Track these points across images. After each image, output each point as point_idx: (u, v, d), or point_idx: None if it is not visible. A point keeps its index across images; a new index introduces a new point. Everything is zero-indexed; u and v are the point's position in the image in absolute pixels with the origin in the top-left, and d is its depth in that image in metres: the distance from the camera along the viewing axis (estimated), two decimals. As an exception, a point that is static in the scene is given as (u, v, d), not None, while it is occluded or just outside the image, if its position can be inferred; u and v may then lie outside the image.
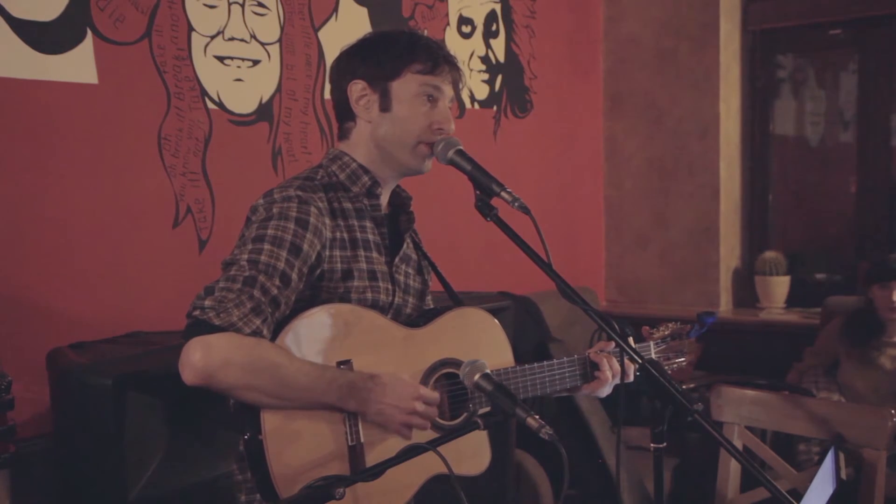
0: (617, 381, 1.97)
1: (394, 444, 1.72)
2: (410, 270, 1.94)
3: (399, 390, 1.69)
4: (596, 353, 1.96)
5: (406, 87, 1.79)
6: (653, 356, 2.08)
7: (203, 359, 1.56)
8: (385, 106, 1.81)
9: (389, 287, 1.84)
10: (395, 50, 1.80)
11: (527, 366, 1.90)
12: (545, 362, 1.91)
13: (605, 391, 1.99)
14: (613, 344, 1.95)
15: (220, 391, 1.62)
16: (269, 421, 1.64)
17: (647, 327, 2.13)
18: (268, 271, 1.63)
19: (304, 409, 1.66)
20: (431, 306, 1.99)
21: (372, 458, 1.69)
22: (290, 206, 1.70)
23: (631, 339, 1.93)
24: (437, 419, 1.80)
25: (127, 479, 2.20)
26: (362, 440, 1.71)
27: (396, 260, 1.88)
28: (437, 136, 1.80)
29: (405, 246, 1.92)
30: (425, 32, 1.93)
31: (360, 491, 1.65)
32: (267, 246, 1.65)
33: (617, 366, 1.95)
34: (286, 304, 1.67)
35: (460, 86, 1.88)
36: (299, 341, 1.69)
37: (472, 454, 1.89)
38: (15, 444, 2.17)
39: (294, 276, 1.67)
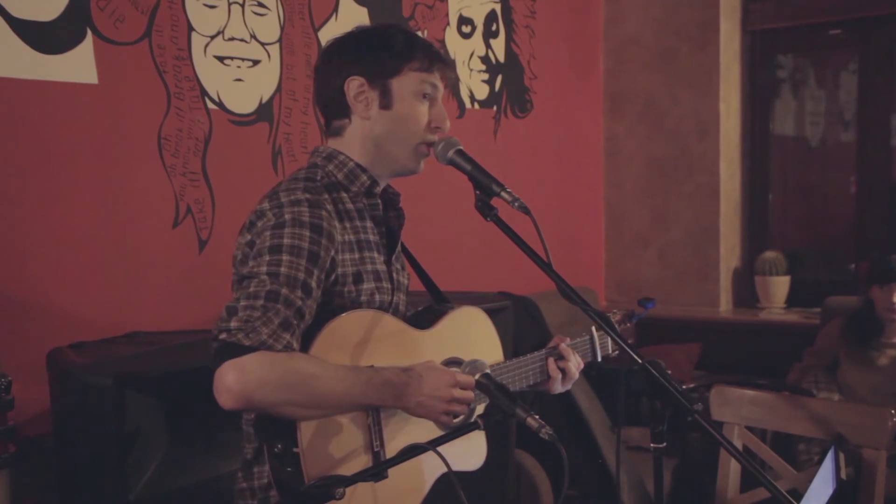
0: (575, 378, 2.04)
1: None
2: (399, 267, 1.94)
3: (435, 380, 1.67)
4: (564, 347, 2.01)
5: (406, 84, 1.78)
6: (609, 346, 2.16)
7: (238, 381, 1.51)
8: (385, 104, 1.78)
9: (388, 286, 1.83)
10: (395, 47, 1.78)
11: (507, 362, 1.93)
12: (519, 358, 1.95)
13: (561, 387, 2.03)
14: (569, 339, 2.04)
15: (259, 411, 1.59)
16: (305, 433, 1.60)
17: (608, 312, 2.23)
18: (290, 283, 1.59)
19: (335, 418, 1.64)
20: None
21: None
22: (302, 211, 1.66)
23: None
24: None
25: (127, 479, 2.20)
26: (385, 446, 1.71)
27: (393, 258, 1.88)
28: (435, 134, 1.80)
29: (399, 244, 1.92)
30: (424, 33, 1.92)
31: (370, 495, 1.65)
32: (286, 256, 1.61)
33: (579, 360, 2.04)
34: (310, 314, 1.64)
35: (452, 82, 1.88)
36: (328, 351, 1.65)
37: (472, 450, 1.91)
38: (15, 444, 2.18)
39: (314, 284, 1.64)
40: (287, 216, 1.65)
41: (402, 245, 1.98)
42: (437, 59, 1.80)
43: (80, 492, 2.29)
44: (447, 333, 1.87)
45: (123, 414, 2.19)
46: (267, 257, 1.61)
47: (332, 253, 1.69)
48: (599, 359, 2.13)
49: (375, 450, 1.69)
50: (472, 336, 1.93)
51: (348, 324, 1.70)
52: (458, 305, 1.96)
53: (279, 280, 1.59)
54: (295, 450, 1.59)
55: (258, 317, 1.55)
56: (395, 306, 1.86)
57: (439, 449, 1.61)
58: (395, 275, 1.88)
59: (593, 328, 2.08)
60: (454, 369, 1.82)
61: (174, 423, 2.27)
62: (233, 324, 1.54)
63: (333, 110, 1.84)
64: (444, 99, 1.89)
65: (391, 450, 1.71)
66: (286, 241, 1.62)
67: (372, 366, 1.68)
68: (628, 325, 2.24)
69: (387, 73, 1.78)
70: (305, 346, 1.63)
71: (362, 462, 1.68)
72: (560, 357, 1.99)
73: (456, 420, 1.77)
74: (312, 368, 1.58)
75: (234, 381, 1.51)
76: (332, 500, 1.40)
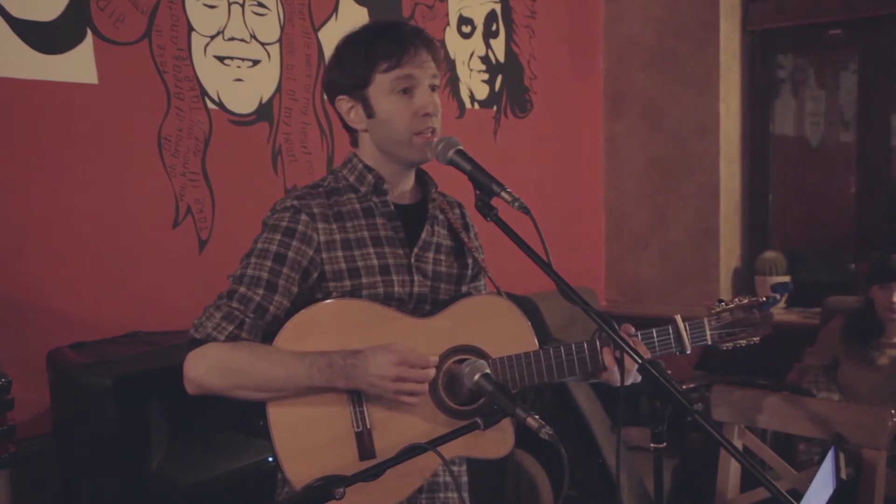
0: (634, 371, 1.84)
1: (404, 428, 1.74)
2: (441, 256, 1.93)
3: (380, 360, 1.70)
4: (623, 336, 1.86)
5: (379, 88, 1.82)
6: (707, 334, 1.94)
7: (191, 370, 1.74)
8: (369, 112, 1.84)
9: (406, 278, 1.85)
10: (358, 57, 1.83)
11: (540, 351, 1.85)
12: (562, 346, 1.86)
13: (626, 379, 1.82)
14: (633, 329, 1.88)
15: (217, 395, 1.76)
16: (273, 412, 1.74)
17: (710, 301, 1.99)
18: (251, 282, 1.76)
19: (309, 397, 1.73)
20: (476, 291, 1.99)
21: (382, 444, 1.73)
22: (283, 217, 1.80)
23: (638, 335, 1.89)
24: (450, 403, 1.79)
25: (127, 479, 2.20)
26: (369, 426, 1.74)
27: (416, 249, 1.88)
28: (426, 121, 1.81)
29: (424, 234, 1.91)
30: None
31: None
32: (253, 260, 1.79)
33: (643, 351, 1.86)
34: (277, 307, 1.77)
35: (437, 55, 1.86)
36: (295, 339, 1.75)
37: (496, 437, 1.85)
38: (15, 444, 2.18)
39: (280, 281, 1.77)
40: (270, 223, 1.82)
41: (458, 235, 1.96)
42: (404, 50, 1.80)
43: (80, 492, 2.29)
44: (457, 321, 1.85)
45: (123, 414, 2.20)
46: (243, 262, 1.81)
47: (311, 253, 1.79)
48: (689, 350, 1.91)
49: (357, 430, 1.74)
50: (487, 324, 1.88)
51: (321, 314, 1.78)
52: (472, 294, 1.95)
53: (243, 281, 1.77)
54: (269, 425, 1.74)
55: (207, 313, 1.76)
56: (420, 296, 1.86)
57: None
58: (427, 265, 1.89)
59: (677, 317, 1.90)
60: (462, 357, 1.81)
61: (174, 423, 2.27)
62: (194, 322, 1.77)
63: (344, 125, 1.93)
64: (444, 98, 1.89)
65: (377, 429, 1.74)
66: (258, 245, 1.80)
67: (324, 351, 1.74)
68: (756, 312, 1.96)
69: (360, 85, 1.83)
70: (273, 337, 1.76)
71: (343, 441, 1.73)
72: (618, 345, 1.79)
73: (490, 404, 1.73)
74: (253, 355, 1.72)
75: (187, 370, 1.75)
76: (332, 499, 1.40)
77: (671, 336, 1.90)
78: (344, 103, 1.86)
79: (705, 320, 1.95)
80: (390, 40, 1.81)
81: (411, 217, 1.91)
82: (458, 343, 1.83)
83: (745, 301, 1.98)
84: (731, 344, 1.97)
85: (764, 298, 1.99)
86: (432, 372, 1.75)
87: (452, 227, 1.97)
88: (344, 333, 1.76)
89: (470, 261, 1.98)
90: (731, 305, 1.97)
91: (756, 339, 1.99)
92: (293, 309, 1.79)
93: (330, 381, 1.71)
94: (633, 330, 1.87)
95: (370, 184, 1.87)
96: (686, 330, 1.91)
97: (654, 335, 1.90)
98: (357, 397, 1.75)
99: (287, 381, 1.71)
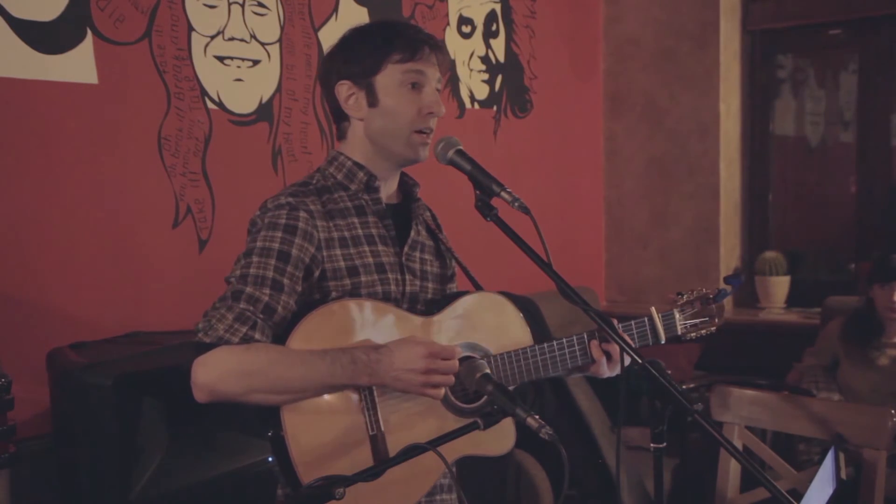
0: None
1: (415, 430, 1.73)
2: (427, 256, 1.94)
3: (407, 352, 1.68)
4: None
5: (389, 78, 1.80)
6: (677, 325, 2.01)
7: (202, 376, 1.65)
8: (372, 101, 1.82)
9: (399, 277, 1.85)
10: (373, 43, 1.82)
11: (535, 346, 1.88)
12: (554, 341, 1.89)
13: (610, 371, 1.92)
14: (616, 321, 1.92)
15: (230, 401, 1.68)
16: (288, 417, 1.67)
17: (672, 294, 2.07)
18: (256, 282, 1.69)
19: (323, 401, 1.69)
20: (455, 290, 1.99)
21: (395, 446, 1.70)
22: (280, 215, 1.75)
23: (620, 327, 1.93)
24: (457, 402, 1.79)
25: (127, 479, 2.20)
26: (382, 429, 1.72)
27: (406, 249, 1.88)
28: (429, 120, 1.81)
29: (413, 233, 1.92)
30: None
31: (383, 476, 1.65)
32: (255, 258, 1.72)
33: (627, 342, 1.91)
34: (284, 308, 1.71)
35: (445, 63, 1.87)
36: (308, 340, 1.70)
37: (498, 435, 1.85)
38: (15, 444, 2.18)
39: (286, 280, 1.71)
40: (266, 221, 1.75)
41: (435, 235, 1.98)
42: (419, 47, 1.80)
43: (80, 492, 2.30)
44: (458, 318, 1.85)
45: (123, 414, 2.20)
46: (242, 262, 1.73)
47: (312, 251, 1.75)
48: (663, 340, 1.99)
49: (372, 433, 1.71)
50: (487, 321, 1.89)
51: (331, 314, 1.74)
52: (471, 291, 1.94)
53: (246, 280, 1.70)
54: (281, 433, 1.66)
55: (216, 315, 1.67)
56: (413, 295, 1.87)
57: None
58: (415, 264, 1.89)
59: (653, 309, 1.97)
60: (465, 354, 1.81)
61: (174, 423, 2.27)
62: (200, 325, 1.68)
63: (335, 115, 1.90)
64: (444, 98, 1.89)
65: (390, 432, 1.72)
66: (258, 244, 1.73)
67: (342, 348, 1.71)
68: (712, 305, 2.04)
69: (368, 71, 1.81)
70: (285, 339, 1.70)
71: (358, 445, 1.70)
72: (604, 339, 1.89)
73: (490, 403, 1.73)
74: (271, 355, 1.66)
75: (198, 376, 1.65)
76: (332, 499, 1.40)
77: (647, 328, 1.96)
78: (344, 89, 1.83)
79: (675, 312, 2.01)
80: (407, 35, 1.82)
81: (396, 217, 1.90)
82: (462, 340, 1.83)
83: (703, 293, 2.06)
84: (694, 334, 2.04)
85: (717, 290, 2.07)
86: (457, 363, 1.73)
87: (430, 228, 1.99)
88: (358, 333, 1.74)
89: (448, 261, 2.00)
90: (692, 298, 2.04)
91: (713, 328, 2.06)
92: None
93: (353, 378, 1.67)
94: (615, 321, 1.91)
95: (361, 181, 1.85)
96: (660, 322, 1.97)
97: (633, 327, 1.95)
98: (370, 401, 1.72)
99: (308, 380, 1.66)
